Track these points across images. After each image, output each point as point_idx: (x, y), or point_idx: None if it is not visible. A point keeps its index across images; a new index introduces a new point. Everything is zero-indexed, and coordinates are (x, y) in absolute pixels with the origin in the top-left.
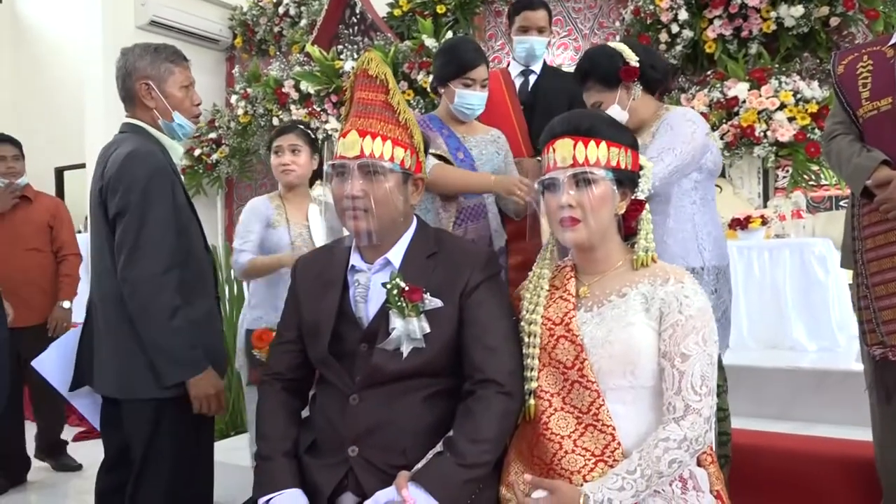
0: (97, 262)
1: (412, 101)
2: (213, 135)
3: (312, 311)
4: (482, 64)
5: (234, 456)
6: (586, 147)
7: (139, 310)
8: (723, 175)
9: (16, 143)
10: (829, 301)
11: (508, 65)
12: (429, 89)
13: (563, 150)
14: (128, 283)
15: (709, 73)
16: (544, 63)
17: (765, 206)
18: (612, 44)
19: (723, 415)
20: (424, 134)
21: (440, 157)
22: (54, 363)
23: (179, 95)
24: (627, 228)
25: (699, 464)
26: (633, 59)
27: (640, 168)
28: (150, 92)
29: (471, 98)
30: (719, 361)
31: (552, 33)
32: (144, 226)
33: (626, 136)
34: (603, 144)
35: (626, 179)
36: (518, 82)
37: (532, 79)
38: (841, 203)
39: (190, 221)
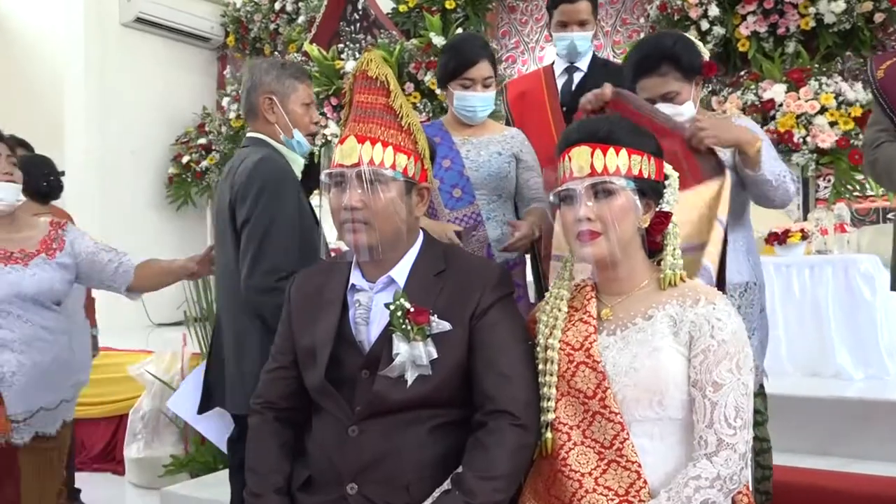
0: (224, 278)
1: (418, 104)
2: (202, 140)
3: (308, 333)
4: (482, 60)
5: (221, 492)
6: (605, 155)
7: (255, 318)
8: None
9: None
10: (877, 323)
11: (553, 63)
12: (437, 92)
13: (579, 159)
14: (247, 290)
15: (742, 73)
16: (593, 57)
17: (805, 219)
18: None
19: (763, 446)
20: (430, 140)
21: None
22: (187, 399)
23: (300, 112)
24: (652, 244)
25: None
26: (705, 54)
27: (666, 177)
28: (272, 107)
29: (470, 100)
30: (761, 387)
31: (598, 24)
32: (268, 234)
33: (648, 143)
34: (623, 152)
35: (650, 189)
36: (561, 81)
37: (577, 77)
38: (889, 216)
39: (312, 229)
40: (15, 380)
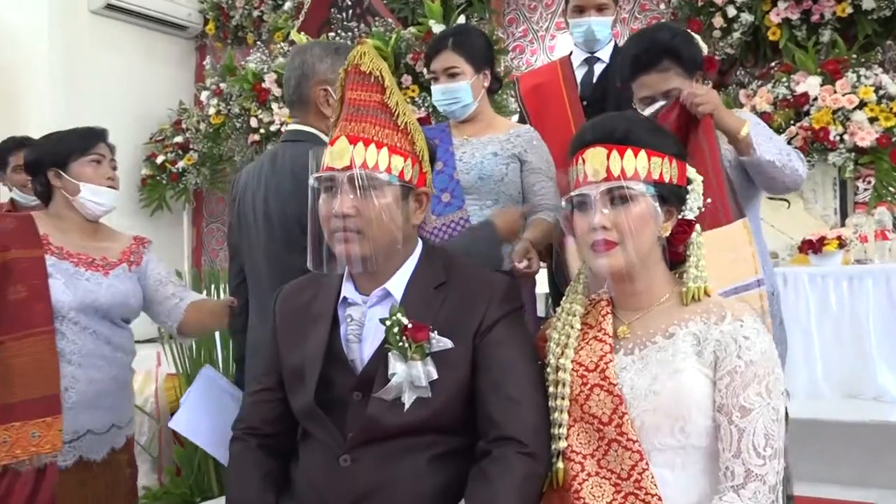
0: (273, 281)
1: (417, 99)
2: (178, 138)
3: (296, 352)
4: (445, 50)
5: None
6: (622, 157)
7: None
8: None
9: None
10: None
11: (570, 53)
12: None
13: (594, 162)
14: None
15: (773, 64)
16: (615, 47)
17: (842, 225)
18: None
19: (785, 474)
20: (429, 141)
21: None
22: (192, 415)
23: None
24: (674, 255)
25: None
26: (703, 49)
27: (689, 181)
28: (328, 99)
29: (435, 93)
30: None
31: (618, 9)
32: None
33: (669, 144)
34: (642, 154)
35: (671, 195)
36: (581, 73)
37: (599, 69)
38: None
39: None
40: (66, 395)
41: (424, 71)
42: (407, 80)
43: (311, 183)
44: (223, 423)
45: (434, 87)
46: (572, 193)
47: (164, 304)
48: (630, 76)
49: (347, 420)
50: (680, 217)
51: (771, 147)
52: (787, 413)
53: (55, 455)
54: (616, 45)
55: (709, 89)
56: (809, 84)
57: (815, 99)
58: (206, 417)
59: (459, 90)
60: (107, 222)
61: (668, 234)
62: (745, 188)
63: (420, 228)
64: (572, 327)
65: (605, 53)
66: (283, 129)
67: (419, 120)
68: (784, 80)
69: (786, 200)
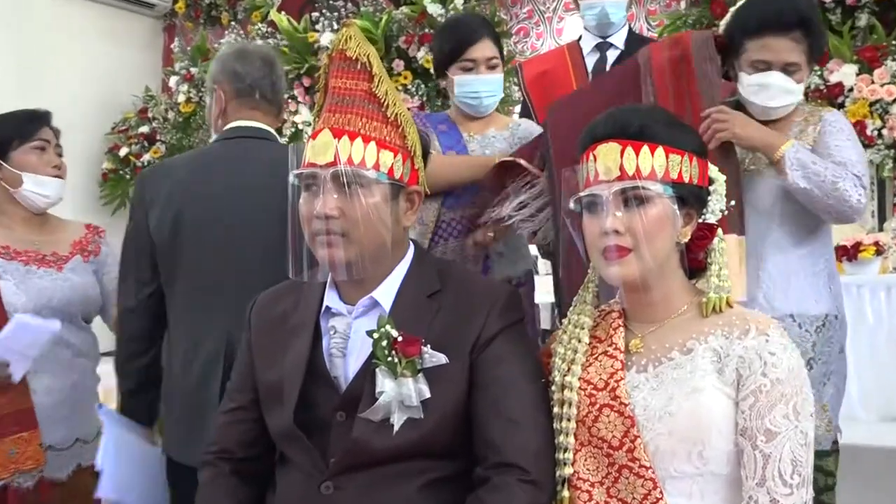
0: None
1: (410, 87)
2: (144, 128)
3: (273, 367)
4: (484, 38)
5: None
6: (637, 154)
7: None
8: None
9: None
10: None
11: (580, 37)
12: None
13: (606, 159)
14: None
15: None
16: (629, 32)
17: (880, 230)
18: None
19: None
20: (422, 134)
21: None
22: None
23: None
24: (693, 262)
25: None
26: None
27: (711, 182)
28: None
29: (473, 84)
30: (834, 444)
31: None
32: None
33: (689, 139)
34: (660, 150)
35: (691, 196)
36: (592, 60)
37: (612, 55)
38: None
39: None
40: None
41: (418, 55)
42: (399, 65)
43: (291, 180)
44: (150, 471)
45: (467, 78)
46: (582, 193)
47: (109, 301)
48: (755, 32)
49: (330, 443)
50: (700, 221)
51: (811, 171)
52: (837, 446)
53: (12, 476)
54: (630, 29)
55: (736, 114)
56: (844, 73)
57: (851, 90)
58: (132, 470)
59: (498, 83)
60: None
61: (686, 239)
62: (803, 214)
63: (437, 224)
64: (580, 341)
65: (618, 39)
66: None
67: (412, 110)
68: (816, 68)
69: None
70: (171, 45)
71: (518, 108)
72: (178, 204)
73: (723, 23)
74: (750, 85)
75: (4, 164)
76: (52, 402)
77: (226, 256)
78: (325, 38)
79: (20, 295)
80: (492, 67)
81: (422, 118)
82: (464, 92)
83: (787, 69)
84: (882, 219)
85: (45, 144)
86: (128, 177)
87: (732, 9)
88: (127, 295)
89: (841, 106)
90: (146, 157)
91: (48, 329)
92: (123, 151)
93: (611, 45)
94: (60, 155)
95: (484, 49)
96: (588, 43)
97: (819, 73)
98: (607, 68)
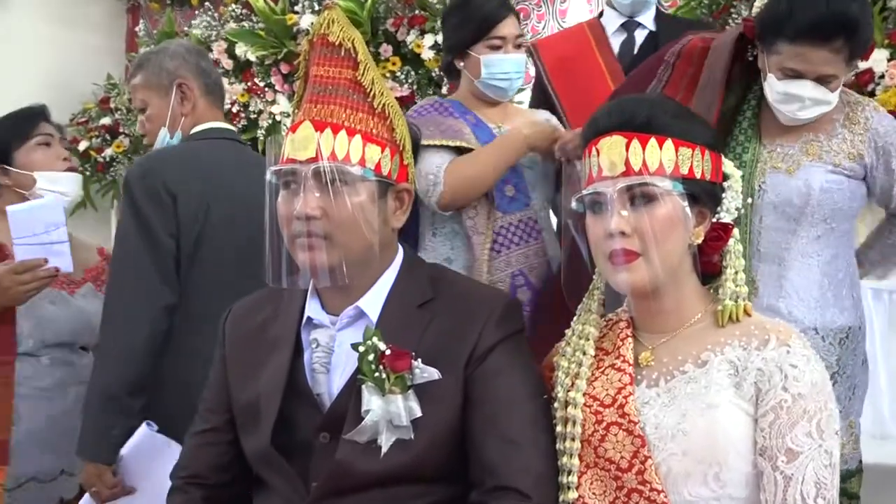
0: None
1: (399, 74)
2: (106, 120)
3: (249, 384)
4: (510, 14)
5: None
6: (644, 147)
7: None
8: None
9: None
10: None
11: (601, 14)
12: (439, 70)
13: (610, 153)
14: None
15: None
16: (658, 13)
17: None
18: None
19: None
20: (412, 126)
21: (464, 151)
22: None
23: None
24: (707, 266)
25: None
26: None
27: (725, 177)
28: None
29: (503, 64)
30: (859, 464)
31: None
32: None
33: (701, 131)
34: (669, 144)
35: (704, 194)
36: (617, 41)
37: (640, 35)
38: None
39: None
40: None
41: (408, 40)
42: (387, 50)
43: (269, 177)
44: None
45: (496, 57)
46: (584, 191)
47: None
48: (790, 38)
49: (312, 467)
50: (714, 220)
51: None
52: (861, 465)
53: None
54: (658, 8)
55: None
56: (875, 59)
57: (882, 76)
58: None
59: (524, 64)
60: None
61: (700, 240)
62: (833, 216)
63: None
64: (584, 353)
65: (647, 18)
66: (234, 111)
67: (402, 99)
68: None
69: None
70: (136, 28)
71: (527, 96)
72: (208, 201)
73: (758, 3)
74: (778, 92)
75: (11, 167)
76: (44, 431)
77: (246, 261)
78: (306, 21)
79: (26, 318)
80: (518, 46)
81: (444, 106)
82: (492, 73)
83: (823, 79)
84: None
85: (48, 139)
86: (88, 173)
87: None
88: (137, 309)
89: (871, 94)
90: (108, 151)
91: (49, 204)
92: (83, 146)
93: (639, 24)
94: (69, 148)
95: (511, 25)
96: (612, 21)
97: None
98: (635, 51)
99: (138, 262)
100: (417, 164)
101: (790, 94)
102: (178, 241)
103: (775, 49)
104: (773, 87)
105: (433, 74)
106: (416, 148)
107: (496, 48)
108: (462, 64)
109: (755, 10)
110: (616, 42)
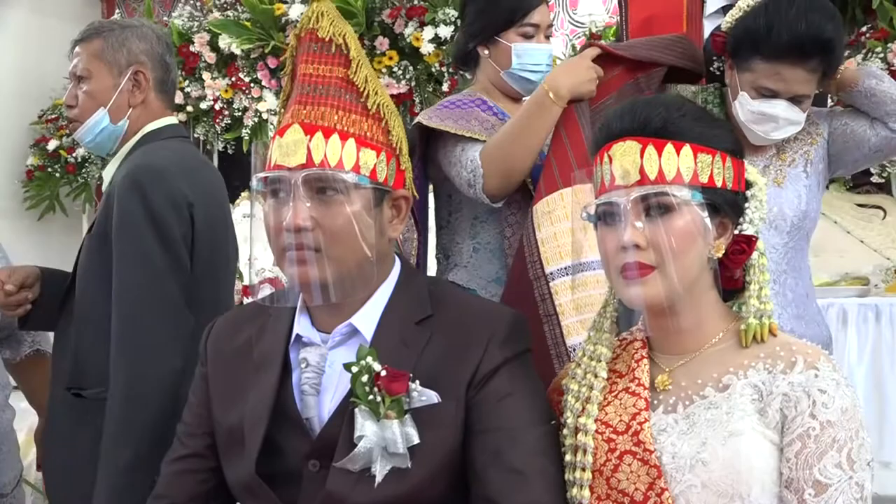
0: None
1: (396, 69)
2: None
3: (233, 407)
4: (545, 2)
5: None
6: (660, 154)
7: None
8: (886, 189)
9: None
10: None
11: None
12: (452, 59)
13: (624, 160)
14: None
15: (864, 30)
16: None
17: None
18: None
19: None
20: (407, 128)
21: None
22: None
23: None
24: (729, 281)
25: None
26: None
27: (748, 185)
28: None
29: (536, 54)
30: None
31: None
32: None
33: (721, 135)
34: (686, 149)
35: (725, 203)
36: (711, 25)
37: None
38: None
39: None
40: None
41: (405, 32)
42: (383, 44)
43: (254, 185)
44: None
45: (531, 46)
46: (596, 201)
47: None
48: (768, 57)
49: (300, 497)
50: (736, 232)
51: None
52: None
53: None
54: None
55: None
56: None
57: None
58: None
59: (552, 56)
60: None
61: (720, 254)
62: (815, 226)
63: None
64: (596, 376)
65: None
66: (217, 108)
67: (399, 97)
68: (878, 49)
69: (881, 209)
70: (111, 18)
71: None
72: (205, 206)
73: (730, 16)
74: (752, 111)
75: None
76: None
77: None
78: (295, 11)
79: None
80: (548, 36)
81: (481, 100)
82: (523, 64)
83: (796, 99)
84: None
85: None
86: (57, 174)
87: (743, 2)
88: (165, 339)
89: None
90: (80, 151)
91: None
92: (52, 145)
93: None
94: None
95: (545, 13)
96: (714, 1)
97: (882, 54)
98: None
99: (165, 284)
100: (459, 156)
101: (765, 114)
102: (191, 255)
103: (749, 66)
104: (746, 105)
105: (433, 70)
106: (413, 151)
107: (528, 37)
108: (487, 52)
109: (725, 25)
110: (710, 25)
